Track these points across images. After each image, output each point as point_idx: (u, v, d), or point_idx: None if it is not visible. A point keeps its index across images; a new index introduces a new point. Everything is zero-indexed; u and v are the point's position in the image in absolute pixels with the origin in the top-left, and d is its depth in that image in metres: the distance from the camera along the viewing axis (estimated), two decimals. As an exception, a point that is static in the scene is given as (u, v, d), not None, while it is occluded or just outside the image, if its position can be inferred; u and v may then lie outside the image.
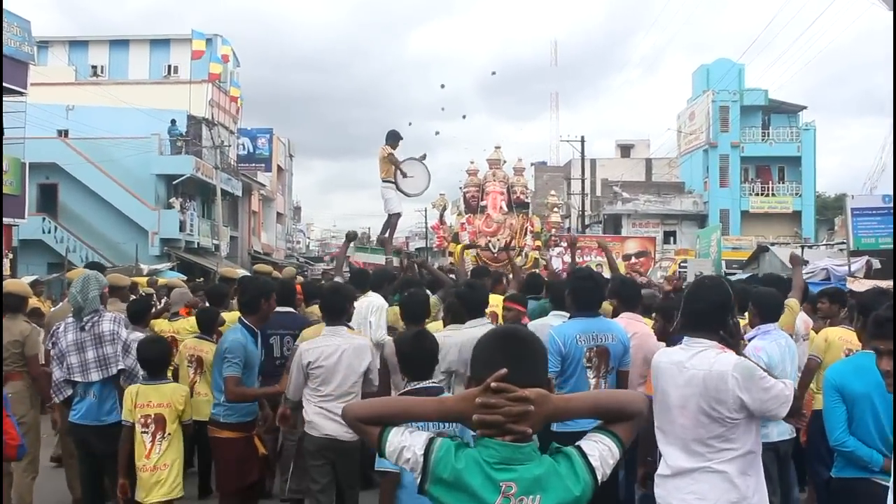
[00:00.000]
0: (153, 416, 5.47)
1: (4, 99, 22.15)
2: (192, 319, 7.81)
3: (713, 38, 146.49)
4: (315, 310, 7.37)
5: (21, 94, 25.18)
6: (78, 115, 36.66)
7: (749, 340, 5.22)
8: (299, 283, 8.81)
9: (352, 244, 10.57)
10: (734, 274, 31.06)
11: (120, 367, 5.81)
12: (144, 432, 5.46)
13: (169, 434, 5.51)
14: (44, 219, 32.89)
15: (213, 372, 5.91)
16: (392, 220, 14.65)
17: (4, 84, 22.20)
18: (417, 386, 3.95)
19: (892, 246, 17.10)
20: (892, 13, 21.73)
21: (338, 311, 5.62)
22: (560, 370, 5.23)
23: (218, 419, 5.63)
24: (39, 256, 31.57)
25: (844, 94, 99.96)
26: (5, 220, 24.24)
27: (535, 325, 6.18)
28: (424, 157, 14.62)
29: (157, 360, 5.66)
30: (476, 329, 5.33)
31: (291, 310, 7.23)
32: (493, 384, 2.01)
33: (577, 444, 2.14)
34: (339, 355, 5.41)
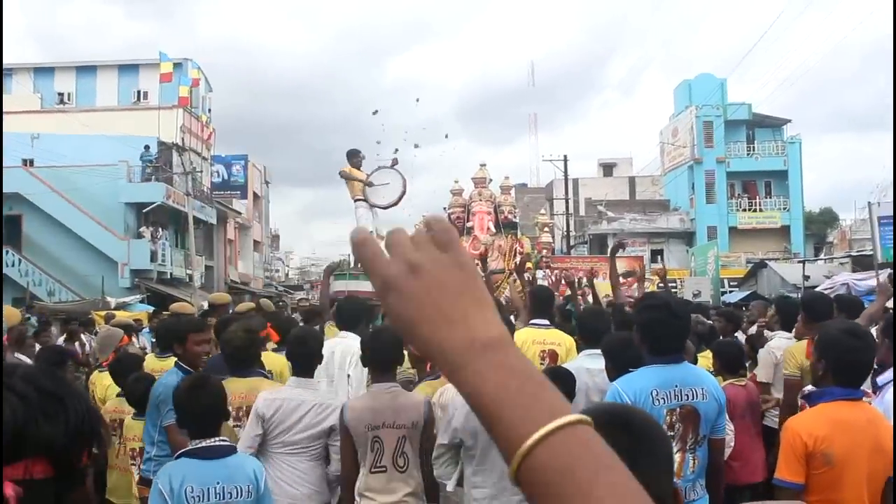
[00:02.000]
0: (138, 449, 5.32)
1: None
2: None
3: (691, 57, 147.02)
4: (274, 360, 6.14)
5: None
6: (44, 143, 35.38)
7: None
8: (270, 322, 7.46)
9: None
10: (732, 291, 30.24)
11: None
12: (133, 465, 5.40)
13: None
14: (7, 251, 31.36)
15: (146, 422, 5.09)
16: None
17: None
18: (202, 444, 3.46)
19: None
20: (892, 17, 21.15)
21: (307, 363, 4.74)
22: (629, 441, 3.84)
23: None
24: (5, 291, 30.02)
25: (820, 111, 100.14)
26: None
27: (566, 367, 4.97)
28: (396, 161, 13.13)
29: (143, 397, 5.19)
30: None
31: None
32: None
33: None
34: (303, 413, 4.52)
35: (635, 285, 26.39)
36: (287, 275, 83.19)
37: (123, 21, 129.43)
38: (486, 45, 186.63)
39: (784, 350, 5.74)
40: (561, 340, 5.96)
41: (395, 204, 12.97)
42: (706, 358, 5.94)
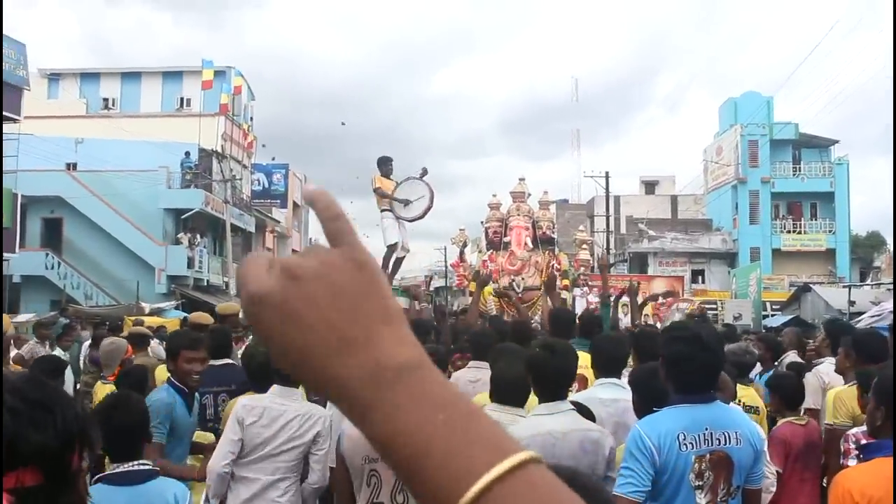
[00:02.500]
0: None
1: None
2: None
3: (737, 75, 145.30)
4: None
5: (15, 120, 23.88)
6: (87, 147, 35.69)
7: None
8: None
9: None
10: (775, 315, 29.54)
11: None
12: None
13: None
14: (47, 254, 31.69)
15: None
16: (391, 253, 12.81)
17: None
18: (118, 469, 3.13)
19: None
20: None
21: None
22: (652, 488, 3.26)
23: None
24: (41, 293, 30.30)
25: (868, 132, 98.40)
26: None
27: (579, 399, 4.37)
28: (425, 172, 12.72)
29: None
30: (554, 419, 3.72)
31: (230, 361, 5.95)
32: None
33: None
34: (285, 422, 4.25)
35: (675, 306, 25.91)
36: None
37: (171, 28, 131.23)
38: (531, 60, 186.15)
39: (833, 394, 5.22)
40: (588, 363, 5.35)
41: (422, 216, 12.63)
42: (747, 391, 5.51)
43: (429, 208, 12.49)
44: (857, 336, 5.72)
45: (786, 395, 5.14)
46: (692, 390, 3.31)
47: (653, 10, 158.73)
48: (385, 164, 12.58)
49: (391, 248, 12.59)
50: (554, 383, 3.75)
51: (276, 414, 4.22)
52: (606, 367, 4.70)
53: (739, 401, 4.93)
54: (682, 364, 3.30)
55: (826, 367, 5.97)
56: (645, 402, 3.74)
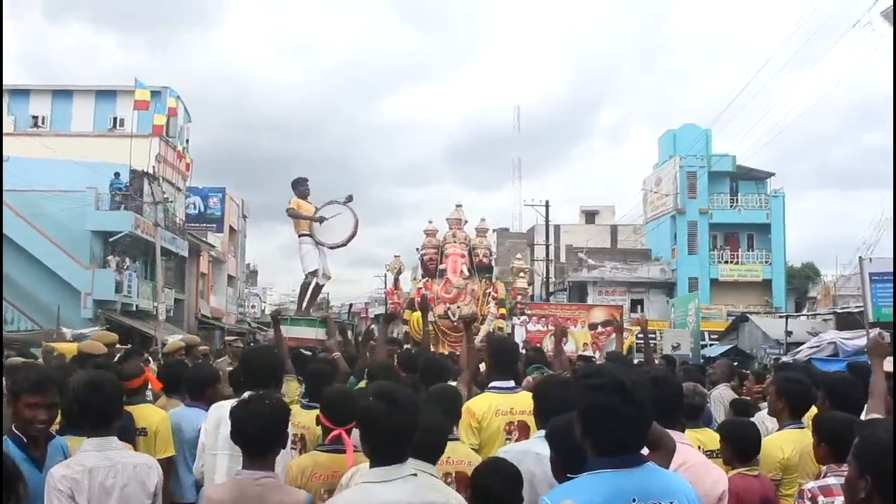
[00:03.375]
0: None
1: None
2: None
3: (678, 108, 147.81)
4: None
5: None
6: (13, 166, 34.27)
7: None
8: (148, 368, 6.50)
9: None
10: (713, 345, 29.50)
11: None
12: None
13: None
14: (-35, 277, 30.34)
15: None
16: (309, 281, 12.14)
17: None
18: None
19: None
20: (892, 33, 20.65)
21: (101, 417, 3.70)
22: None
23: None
24: (-40, 318, 28.97)
25: (802, 166, 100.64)
26: None
27: (510, 455, 3.75)
28: (350, 198, 12.09)
29: None
30: (389, 488, 2.99)
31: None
32: None
33: None
34: (115, 478, 3.55)
35: (613, 336, 25.67)
36: (263, 311, 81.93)
37: (115, 49, 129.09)
38: (478, 90, 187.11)
39: (764, 441, 4.66)
40: (531, 408, 4.45)
41: (344, 244, 11.99)
42: (704, 434, 4.98)
43: (353, 235, 11.86)
44: (830, 383, 5.00)
45: (743, 446, 4.48)
46: (615, 452, 2.62)
47: (598, 43, 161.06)
48: (300, 185, 11.93)
49: (310, 276, 11.97)
50: (392, 441, 2.98)
51: (104, 473, 3.53)
52: (548, 414, 3.80)
53: (699, 447, 4.39)
54: (601, 420, 2.61)
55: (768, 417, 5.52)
56: (565, 462, 3.13)
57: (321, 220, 11.62)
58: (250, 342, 27.97)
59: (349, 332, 10.66)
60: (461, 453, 4.24)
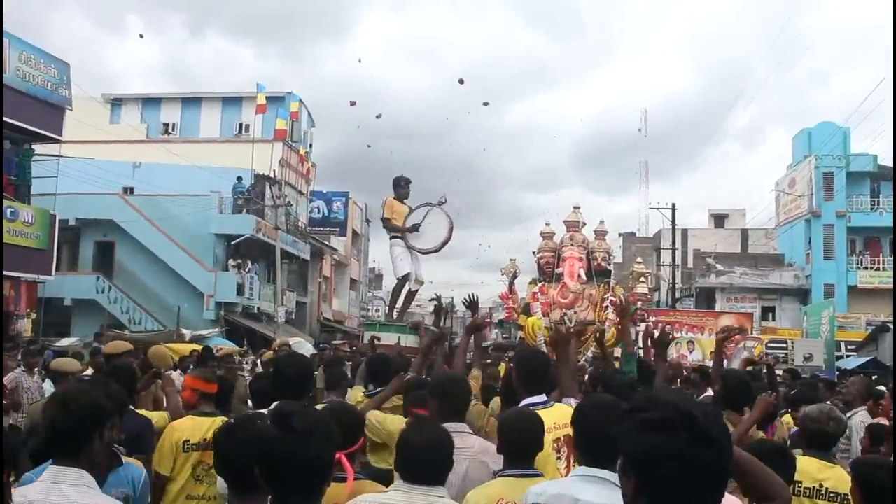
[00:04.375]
0: None
1: (37, 146, 20.76)
2: None
3: (814, 109, 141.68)
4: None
5: (55, 140, 23.48)
6: (144, 172, 35.61)
7: None
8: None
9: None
10: (849, 356, 27.66)
11: None
12: None
13: None
14: (98, 277, 31.46)
15: None
16: (401, 286, 11.54)
17: (37, 130, 20.71)
18: None
19: None
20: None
21: (67, 443, 2.82)
22: None
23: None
24: (92, 317, 29.98)
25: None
26: (29, 277, 22.44)
27: (542, 499, 3.07)
28: (444, 200, 11.61)
29: None
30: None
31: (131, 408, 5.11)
32: None
33: None
34: None
35: (742, 344, 24.29)
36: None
37: (251, 60, 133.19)
38: (606, 93, 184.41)
39: None
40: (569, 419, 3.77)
41: (437, 250, 11.38)
42: (832, 471, 4.02)
43: (447, 240, 11.28)
44: None
45: (874, 494, 3.24)
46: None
47: (729, 44, 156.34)
48: (401, 186, 11.41)
49: (402, 280, 11.40)
50: (427, 472, 2.73)
51: None
52: (593, 448, 3.09)
53: (820, 484, 3.58)
54: (665, 470, 1.79)
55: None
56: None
57: (415, 228, 11.06)
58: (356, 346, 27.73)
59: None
60: (563, 416, 3.90)
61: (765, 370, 7.63)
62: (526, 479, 3.47)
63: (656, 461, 1.81)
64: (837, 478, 3.88)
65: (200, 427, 4.81)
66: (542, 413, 4.24)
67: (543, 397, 4.57)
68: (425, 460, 3.06)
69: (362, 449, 3.57)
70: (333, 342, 27.00)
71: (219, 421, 4.70)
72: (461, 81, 18.15)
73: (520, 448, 3.66)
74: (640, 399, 1.90)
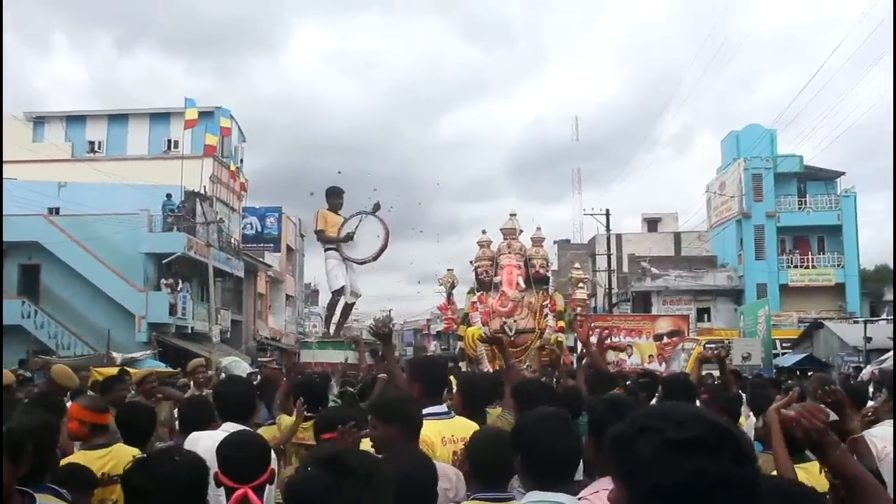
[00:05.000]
0: None
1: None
2: None
3: (743, 111, 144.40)
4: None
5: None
6: (70, 192, 34.69)
7: None
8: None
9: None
10: (785, 353, 28.11)
11: None
12: None
13: None
14: (23, 302, 30.37)
15: None
16: (336, 300, 11.16)
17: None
18: None
19: None
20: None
21: None
22: None
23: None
24: (18, 343, 28.86)
25: (873, 165, 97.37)
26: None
27: None
28: (377, 207, 11.23)
29: None
30: None
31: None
32: None
33: None
34: None
35: (680, 346, 24.43)
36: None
37: (183, 77, 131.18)
38: (539, 102, 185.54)
39: None
40: (468, 433, 3.87)
41: (375, 258, 11.04)
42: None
43: (383, 248, 10.92)
44: None
45: None
46: None
47: (657, 51, 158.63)
48: (334, 196, 11.04)
49: (337, 294, 11.04)
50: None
51: None
52: (544, 469, 2.90)
53: None
54: (709, 495, 1.48)
55: (882, 430, 4.40)
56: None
57: (349, 237, 10.72)
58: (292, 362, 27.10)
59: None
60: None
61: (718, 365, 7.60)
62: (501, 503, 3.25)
63: (700, 491, 1.51)
64: (815, 476, 3.67)
65: (93, 462, 4.32)
66: (446, 423, 4.08)
67: (443, 407, 4.38)
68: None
69: (269, 480, 3.28)
70: (260, 360, 26.47)
71: (116, 451, 4.38)
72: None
73: (493, 470, 3.36)
74: (648, 415, 1.59)
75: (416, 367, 4.73)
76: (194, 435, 4.26)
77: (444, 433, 4.12)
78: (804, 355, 25.73)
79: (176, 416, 6.53)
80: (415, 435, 3.70)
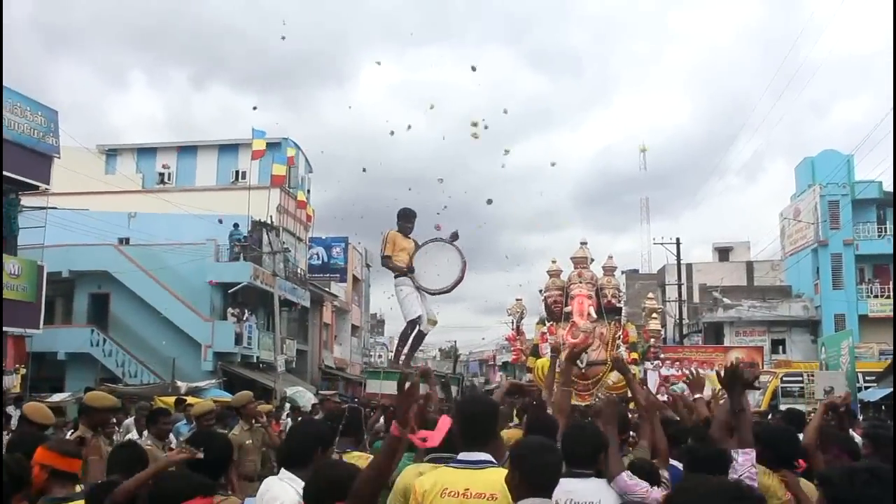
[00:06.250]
0: None
1: (24, 196, 20.14)
2: None
3: (817, 139, 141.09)
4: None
5: (41, 190, 22.92)
6: (140, 222, 35.18)
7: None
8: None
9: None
10: (869, 387, 26.82)
11: None
12: None
13: None
14: (92, 330, 30.72)
15: None
16: (410, 329, 10.54)
17: (23, 179, 20.10)
18: None
19: None
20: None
21: None
22: None
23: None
24: (87, 370, 29.28)
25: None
26: (16, 331, 21.64)
27: None
28: (456, 236, 10.65)
29: None
30: None
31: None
32: None
33: None
34: None
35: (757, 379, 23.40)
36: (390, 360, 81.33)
37: (253, 112, 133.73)
38: (606, 132, 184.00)
39: None
40: (496, 491, 3.53)
41: (449, 290, 10.38)
42: None
43: (459, 280, 10.27)
44: None
45: None
46: None
47: (728, 79, 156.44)
48: (406, 219, 10.48)
49: (412, 324, 10.43)
50: None
51: None
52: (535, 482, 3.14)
53: None
54: None
55: None
56: None
57: (412, 270, 10.15)
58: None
59: (455, 387, 9.25)
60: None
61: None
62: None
63: None
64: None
65: None
66: (466, 473, 3.63)
67: (484, 455, 3.78)
68: None
69: None
70: (321, 392, 26.16)
71: None
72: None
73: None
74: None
75: (460, 406, 4.26)
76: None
77: (451, 485, 3.67)
78: (891, 390, 24.50)
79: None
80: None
